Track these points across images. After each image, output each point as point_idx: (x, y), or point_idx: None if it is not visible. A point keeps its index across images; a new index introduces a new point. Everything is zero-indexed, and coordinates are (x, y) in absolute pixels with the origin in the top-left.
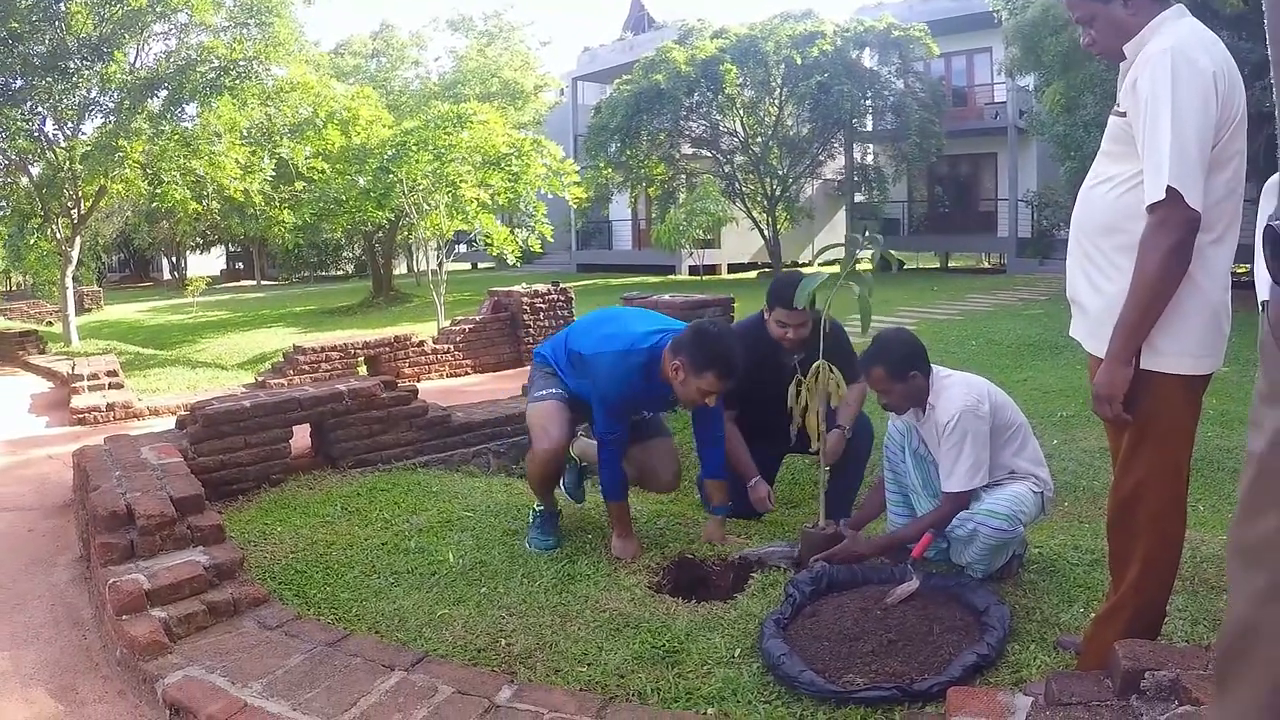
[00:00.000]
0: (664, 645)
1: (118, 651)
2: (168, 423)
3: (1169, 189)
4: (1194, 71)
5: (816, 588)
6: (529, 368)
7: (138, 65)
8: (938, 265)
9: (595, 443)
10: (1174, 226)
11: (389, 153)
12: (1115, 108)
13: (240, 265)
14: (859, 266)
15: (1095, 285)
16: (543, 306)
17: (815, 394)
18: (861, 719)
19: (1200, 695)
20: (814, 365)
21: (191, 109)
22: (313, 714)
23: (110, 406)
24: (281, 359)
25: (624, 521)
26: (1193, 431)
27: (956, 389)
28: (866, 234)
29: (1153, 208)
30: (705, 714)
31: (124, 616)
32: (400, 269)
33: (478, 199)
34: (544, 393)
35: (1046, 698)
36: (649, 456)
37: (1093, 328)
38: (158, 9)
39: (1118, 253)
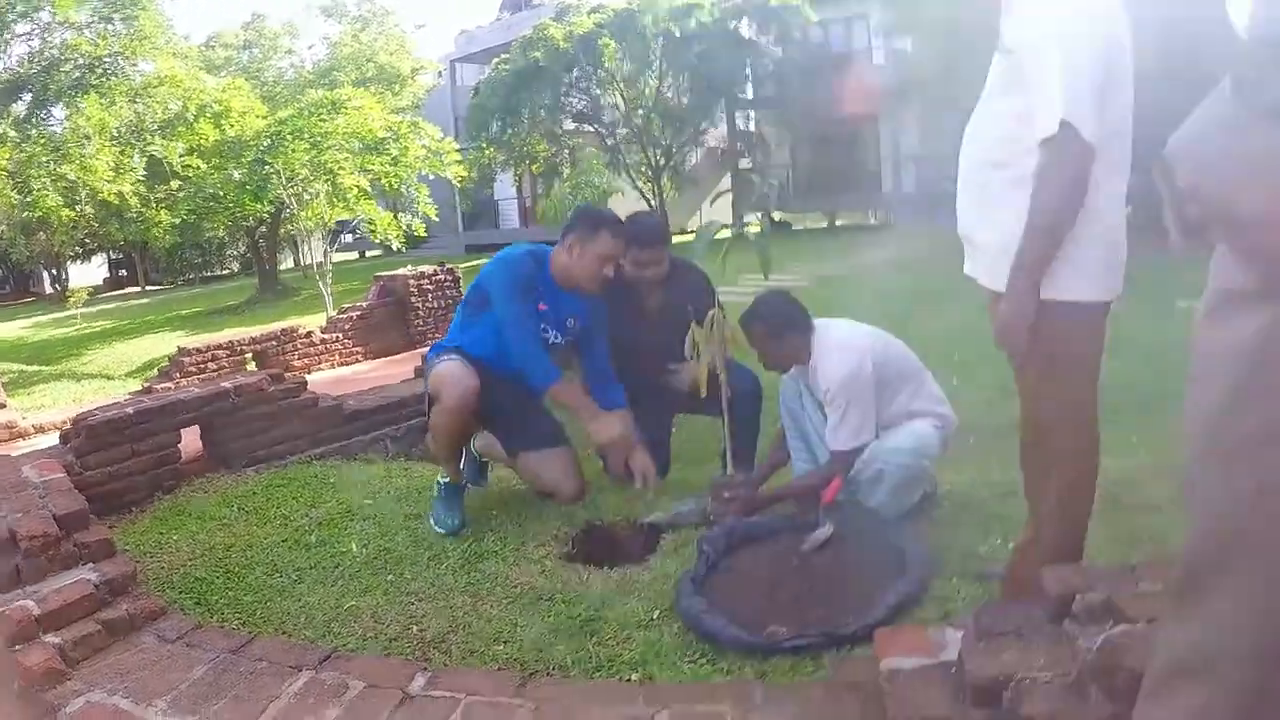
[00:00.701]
0: (580, 615)
1: (14, 684)
2: (54, 440)
3: (1063, 122)
4: (1081, 2)
5: (730, 542)
6: (421, 350)
7: (0, 69)
8: (825, 225)
9: (497, 440)
10: (1069, 160)
11: (264, 144)
12: (1000, 44)
13: (124, 272)
14: (747, 230)
15: (989, 219)
16: (430, 288)
17: (710, 343)
18: (790, 667)
19: (1133, 613)
20: (709, 314)
21: (58, 111)
22: None
23: None
24: (168, 364)
25: (580, 400)
26: (1098, 356)
27: (836, 352)
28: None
29: (1046, 142)
30: (629, 680)
31: (16, 647)
32: (287, 263)
33: (357, 186)
34: (439, 359)
35: (976, 630)
36: (548, 469)
37: (989, 263)
38: (19, 8)
39: (1011, 186)
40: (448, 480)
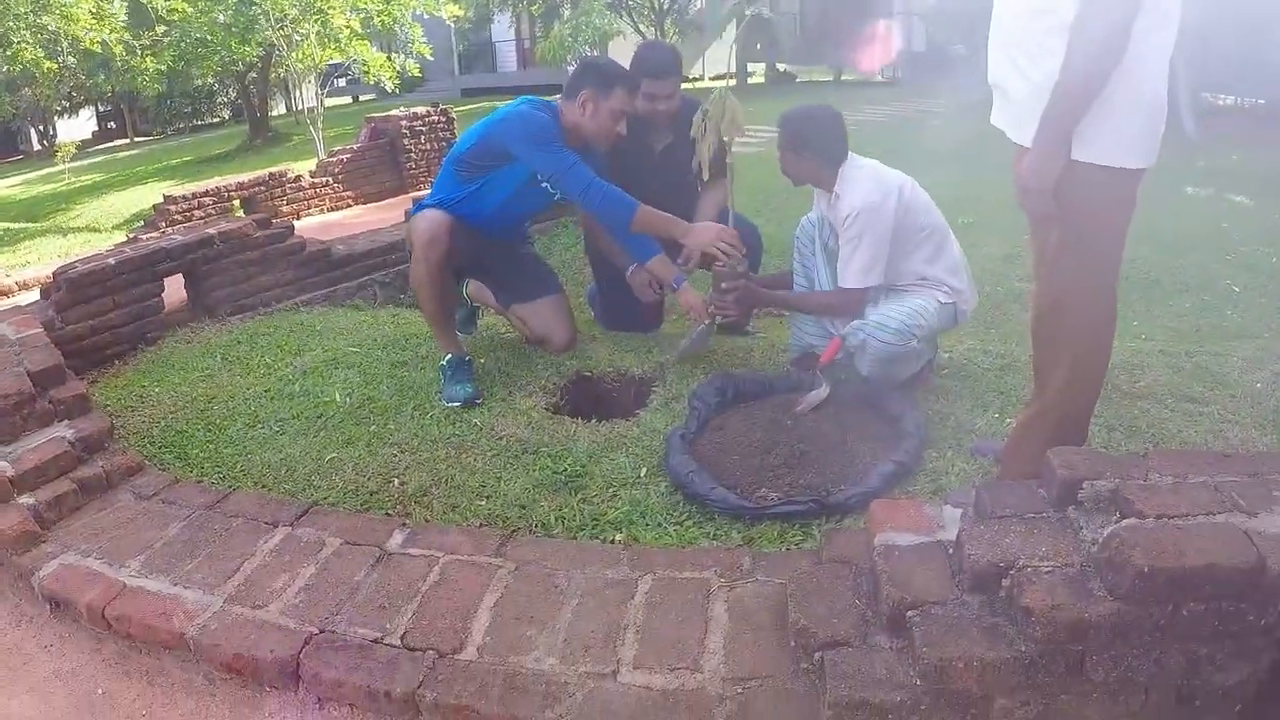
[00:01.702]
0: (566, 470)
1: None
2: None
3: None
4: None
5: (722, 399)
6: (415, 194)
7: None
8: (830, 79)
9: (488, 288)
10: (1110, 6)
11: None
12: None
13: (112, 125)
14: (751, 81)
15: (1021, 70)
16: (423, 130)
17: (714, 122)
18: (778, 535)
19: (1142, 507)
20: (715, 92)
21: None
22: (194, 586)
23: None
24: (153, 213)
25: (664, 217)
26: (1124, 229)
27: (864, 183)
28: (759, 47)
29: None
30: (613, 541)
31: None
32: (279, 109)
33: (349, 25)
34: (421, 209)
35: (978, 509)
36: (539, 318)
37: (1019, 115)
38: None
39: (1049, 35)
40: (451, 357)
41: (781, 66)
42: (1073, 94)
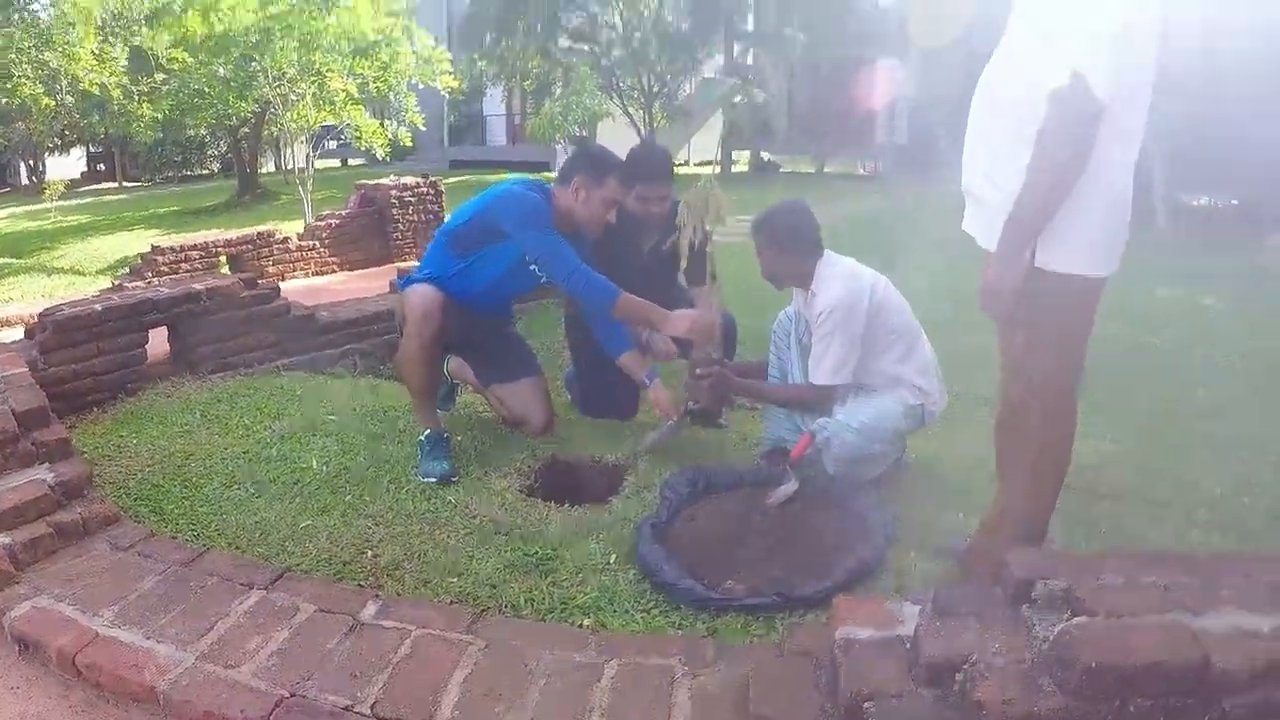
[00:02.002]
0: (537, 553)
1: None
2: (19, 334)
3: (1073, 73)
4: None
5: (694, 489)
6: (399, 265)
7: None
8: (813, 171)
9: (469, 365)
10: (1076, 114)
11: (252, 40)
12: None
13: (102, 166)
14: (735, 169)
15: (992, 178)
16: (412, 200)
17: (695, 214)
18: (742, 626)
19: (1093, 605)
20: (700, 181)
21: None
22: (167, 641)
23: None
24: (139, 261)
25: (645, 305)
26: (1085, 335)
27: (839, 280)
28: (745, 134)
29: (1054, 94)
30: (581, 625)
31: None
32: (268, 167)
33: (345, 90)
34: (411, 283)
35: (935, 607)
36: (518, 398)
37: (988, 221)
38: None
39: (1017, 143)
40: (429, 433)
41: (766, 156)
42: (1036, 204)
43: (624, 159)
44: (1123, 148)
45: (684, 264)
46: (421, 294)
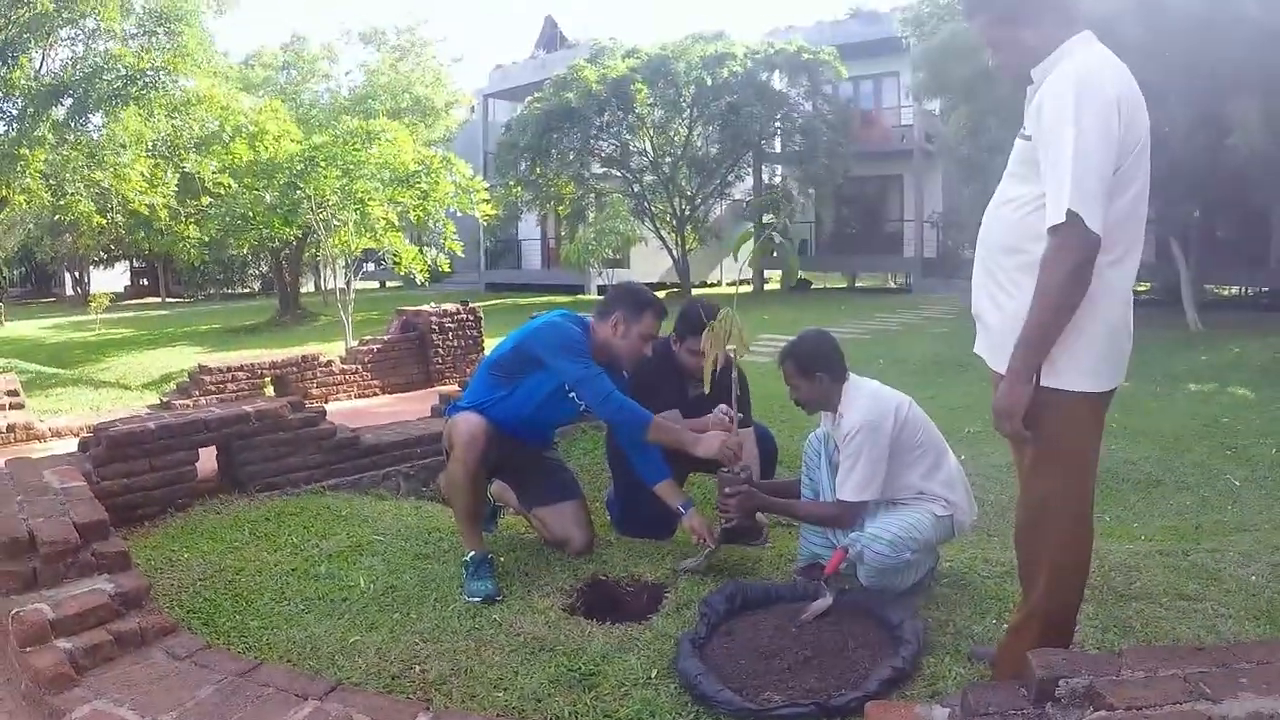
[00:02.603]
0: (580, 668)
1: (23, 685)
2: (70, 445)
3: (1069, 212)
4: (1098, 96)
5: (731, 606)
6: (439, 389)
7: (43, 72)
8: (845, 285)
9: (511, 488)
10: (1074, 249)
11: (297, 168)
12: (1021, 130)
13: (145, 281)
14: (766, 287)
15: (998, 303)
16: (451, 326)
17: (719, 340)
18: None
19: (1113, 700)
20: (721, 313)
21: (97, 119)
22: None
23: (11, 428)
24: (187, 379)
25: (676, 430)
26: (1095, 447)
27: (864, 401)
28: (776, 241)
29: (1054, 230)
30: None
31: (28, 649)
32: (308, 287)
33: (386, 217)
34: (456, 410)
35: (963, 709)
36: (559, 520)
37: (995, 344)
38: (65, 14)
39: (1020, 271)
40: (474, 554)
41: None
42: (1040, 328)
43: (678, 315)
44: (1122, 265)
45: (707, 388)
46: (467, 421)
